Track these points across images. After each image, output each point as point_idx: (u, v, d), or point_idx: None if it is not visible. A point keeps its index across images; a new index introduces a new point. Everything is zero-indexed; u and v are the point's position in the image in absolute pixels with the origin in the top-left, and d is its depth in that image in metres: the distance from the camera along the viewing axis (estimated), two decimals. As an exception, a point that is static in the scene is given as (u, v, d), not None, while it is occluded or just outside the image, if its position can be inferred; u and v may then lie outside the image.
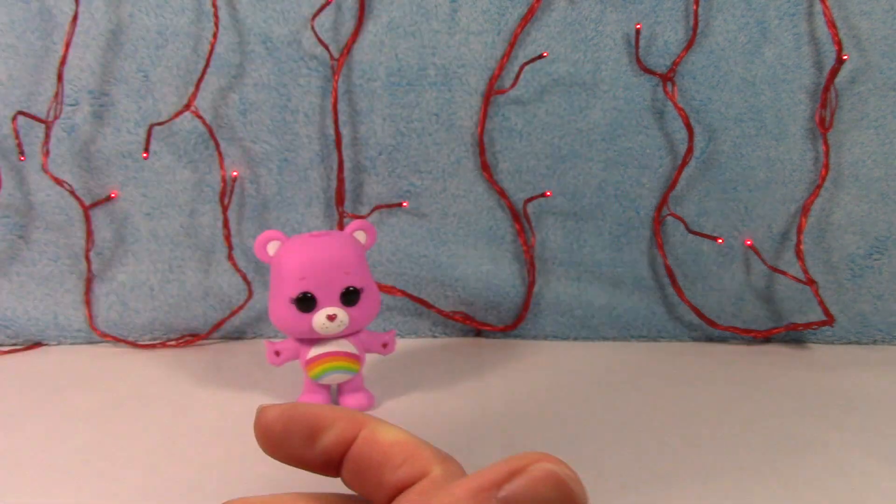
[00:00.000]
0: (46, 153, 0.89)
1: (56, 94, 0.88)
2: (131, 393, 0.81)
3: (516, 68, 0.90)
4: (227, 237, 0.92)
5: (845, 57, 0.87)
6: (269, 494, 0.33)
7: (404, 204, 0.94)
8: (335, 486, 0.66)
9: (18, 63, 0.89)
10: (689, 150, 0.91)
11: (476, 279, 0.95)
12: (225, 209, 0.91)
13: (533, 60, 0.90)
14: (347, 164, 0.93)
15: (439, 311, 0.96)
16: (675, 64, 0.90)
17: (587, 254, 0.95)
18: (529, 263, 0.95)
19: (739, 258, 0.95)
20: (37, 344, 0.94)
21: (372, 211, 0.94)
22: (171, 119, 0.90)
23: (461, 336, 0.98)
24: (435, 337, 0.98)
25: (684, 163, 0.91)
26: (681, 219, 0.93)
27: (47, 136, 0.89)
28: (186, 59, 0.90)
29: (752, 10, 0.90)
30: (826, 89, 0.90)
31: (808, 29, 0.90)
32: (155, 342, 0.95)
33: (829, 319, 0.92)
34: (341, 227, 0.93)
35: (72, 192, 0.91)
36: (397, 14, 0.90)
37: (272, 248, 0.74)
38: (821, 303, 0.92)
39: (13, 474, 0.65)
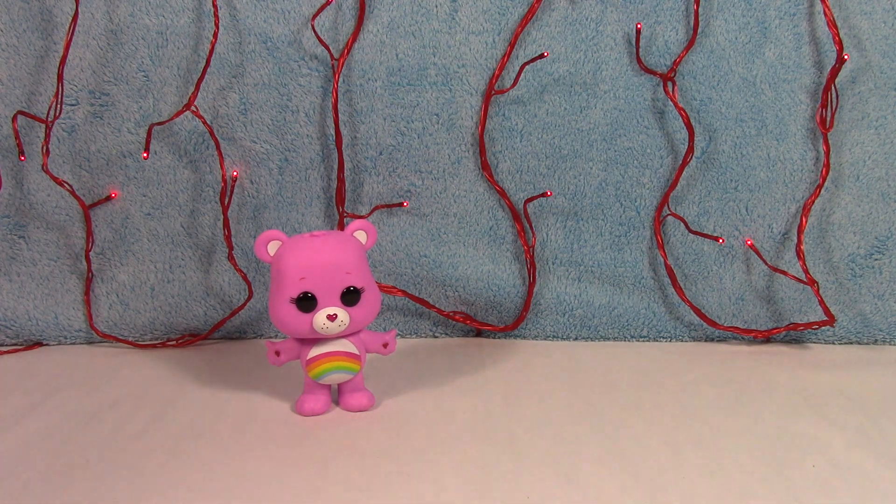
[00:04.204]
0: (46, 153, 0.89)
1: (56, 94, 0.88)
2: (131, 393, 0.81)
3: (516, 68, 0.90)
4: (227, 237, 0.92)
5: (846, 57, 0.87)
6: None
7: (404, 204, 0.94)
8: (337, 481, 0.66)
9: (18, 63, 0.89)
10: (690, 149, 0.91)
11: (476, 279, 0.95)
12: (225, 209, 0.91)
13: (533, 60, 0.90)
14: (348, 164, 0.93)
15: (439, 311, 0.96)
16: (676, 64, 0.90)
17: (587, 254, 0.95)
18: (529, 263, 0.95)
19: (740, 258, 0.94)
20: (37, 344, 0.94)
21: (372, 211, 0.94)
22: (171, 119, 0.90)
23: (461, 336, 0.98)
24: (435, 337, 0.98)
25: (685, 163, 0.91)
26: (681, 219, 0.93)
27: (47, 136, 0.89)
28: (186, 59, 0.90)
29: (752, 10, 0.90)
30: (826, 89, 0.90)
31: (808, 29, 0.90)
32: (155, 342, 0.95)
33: (830, 319, 0.92)
34: (341, 227, 0.93)
35: (72, 192, 0.91)
36: (397, 14, 0.90)
37: (272, 247, 0.74)
38: (821, 303, 0.92)
39: (13, 474, 0.65)
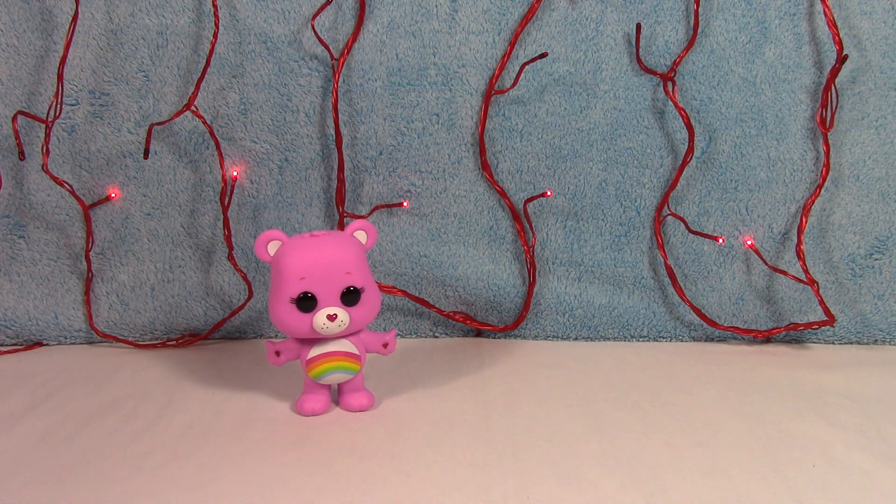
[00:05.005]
0: (46, 153, 0.89)
1: (56, 94, 0.88)
2: (131, 393, 0.81)
3: (516, 68, 0.90)
4: (227, 237, 0.92)
5: (846, 57, 0.87)
6: None
7: (404, 204, 0.94)
8: (337, 481, 0.66)
9: (18, 63, 0.89)
10: (690, 149, 0.91)
11: (476, 279, 0.95)
12: (225, 209, 0.91)
13: (533, 60, 0.90)
14: (348, 164, 0.93)
15: (439, 311, 0.96)
16: (676, 64, 0.90)
17: (587, 254, 0.95)
18: (529, 263, 0.95)
19: (740, 258, 0.94)
20: (37, 344, 0.94)
21: (372, 211, 0.94)
22: (171, 119, 0.90)
23: (461, 336, 0.98)
24: (435, 337, 0.98)
25: (685, 163, 0.91)
26: (681, 219, 0.93)
27: (47, 136, 0.89)
28: (186, 59, 0.90)
29: (752, 10, 0.90)
30: (826, 89, 0.90)
31: (808, 29, 0.90)
32: (155, 342, 0.95)
33: (830, 319, 0.92)
34: (341, 227, 0.93)
35: (72, 192, 0.91)
36: (397, 14, 0.90)
37: (272, 248, 0.74)
38: (821, 303, 0.92)
39: (13, 474, 0.65)
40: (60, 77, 0.88)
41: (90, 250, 0.92)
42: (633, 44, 0.90)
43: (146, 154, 0.87)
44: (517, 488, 0.63)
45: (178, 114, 0.89)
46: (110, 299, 0.94)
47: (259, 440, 0.71)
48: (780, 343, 0.96)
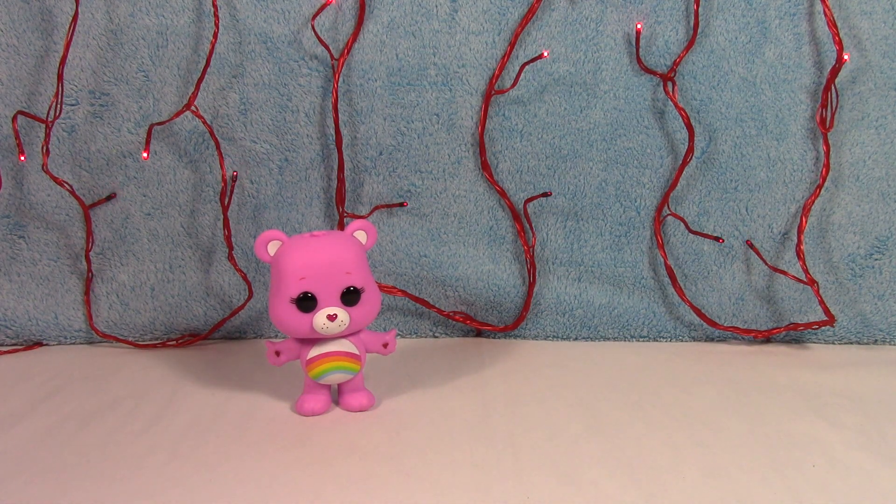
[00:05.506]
0: (46, 153, 0.89)
1: (56, 94, 0.88)
2: (131, 393, 0.81)
3: (516, 68, 0.90)
4: (227, 237, 0.92)
5: (846, 57, 0.87)
6: None
7: (405, 204, 0.94)
8: (337, 481, 0.66)
9: (18, 63, 0.89)
10: (690, 149, 0.91)
11: (476, 279, 0.95)
12: (225, 209, 0.91)
13: (533, 60, 0.90)
14: (348, 164, 0.93)
15: (439, 311, 0.96)
16: (676, 64, 0.90)
17: (587, 254, 0.95)
18: (529, 263, 0.95)
19: (740, 258, 0.94)
20: (37, 344, 0.94)
21: (372, 211, 0.94)
22: (171, 119, 0.90)
23: (461, 336, 0.98)
24: (435, 337, 0.98)
25: (685, 163, 0.91)
26: (681, 219, 0.93)
27: (47, 136, 0.89)
28: (186, 59, 0.90)
29: (752, 10, 0.90)
30: (827, 89, 0.90)
31: (808, 29, 0.90)
32: (155, 342, 0.95)
33: (830, 319, 0.92)
34: (341, 227, 0.93)
35: (72, 192, 0.91)
36: (397, 14, 0.90)
37: (272, 248, 0.74)
38: (821, 303, 0.92)
39: (14, 473, 0.65)
40: (60, 77, 0.88)
41: (90, 250, 0.92)
42: (633, 44, 0.90)
43: (146, 152, 0.87)
44: (517, 488, 0.63)
45: (178, 114, 0.89)
46: (110, 299, 0.94)
47: (259, 440, 0.71)
48: (780, 343, 0.96)
